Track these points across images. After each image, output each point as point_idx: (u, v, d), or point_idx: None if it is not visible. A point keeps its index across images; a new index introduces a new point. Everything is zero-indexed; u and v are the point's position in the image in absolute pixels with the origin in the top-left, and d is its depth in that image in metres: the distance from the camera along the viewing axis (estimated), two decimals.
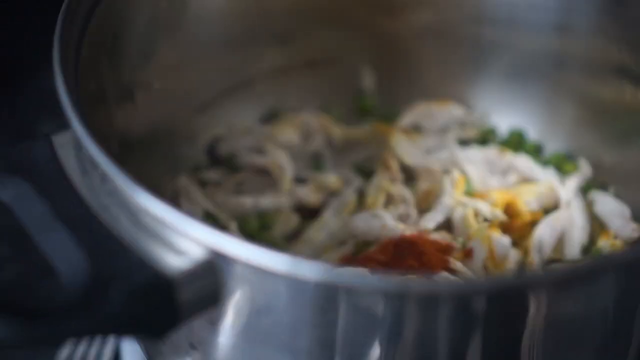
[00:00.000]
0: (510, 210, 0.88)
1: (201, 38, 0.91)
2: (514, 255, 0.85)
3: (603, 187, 0.93)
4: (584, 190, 0.92)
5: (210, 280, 0.63)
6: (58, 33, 0.72)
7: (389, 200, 0.89)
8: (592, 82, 0.93)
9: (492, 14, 0.95)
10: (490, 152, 0.94)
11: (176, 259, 0.63)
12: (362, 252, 0.84)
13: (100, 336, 0.62)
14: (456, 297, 0.61)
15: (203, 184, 0.92)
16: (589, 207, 0.91)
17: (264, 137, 0.95)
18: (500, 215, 0.87)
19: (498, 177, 0.92)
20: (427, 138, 0.96)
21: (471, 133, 0.97)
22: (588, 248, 0.88)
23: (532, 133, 0.97)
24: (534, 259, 0.85)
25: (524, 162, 0.93)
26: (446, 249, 0.83)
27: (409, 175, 0.92)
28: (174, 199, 0.88)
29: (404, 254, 0.82)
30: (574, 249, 0.88)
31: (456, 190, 0.89)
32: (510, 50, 0.95)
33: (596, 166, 0.94)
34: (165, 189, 0.89)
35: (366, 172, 0.93)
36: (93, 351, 0.84)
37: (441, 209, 0.87)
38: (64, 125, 0.68)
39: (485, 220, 0.87)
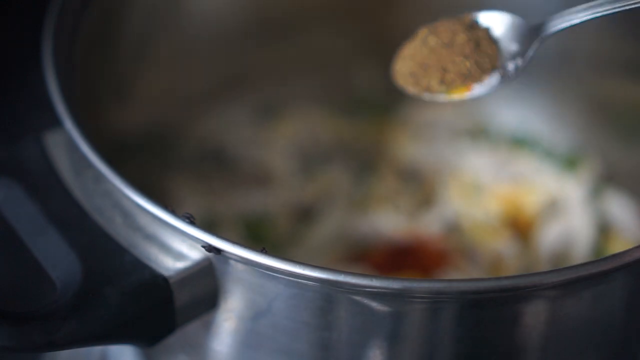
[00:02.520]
0: (514, 205, 0.88)
1: (197, 34, 0.91)
2: (518, 255, 0.85)
3: (612, 185, 0.92)
4: (593, 188, 0.92)
5: (207, 282, 0.63)
6: (50, 28, 0.71)
7: (389, 200, 0.89)
8: (600, 78, 0.92)
9: (494, 3, 0.94)
10: (496, 149, 0.94)
11: (172, 261, 0.62)
12: (361, 252, 0.84)
13: (95, 343, 0.61)
14: (458, 298, 0.60)
15: (199, 183, 0.92)
16: (598, 205, 0.90)
17: (260, 134, 0.95)
18: (502, 214, 0.87)
19: (503, 176, 0.92)
20: (430, 135, 0.95)
21: (475, 129, 0.97)
22: (597, 248, 0.88)
23: (539, 130, 0.96)
24: (541, 259, 0.85)
25: (530, 160, 0.93)
26: (447, 249, 0.83)
27: (410, 174, 0.92)
28: (169, 199, 0.88)
29: (403, 254, 0.82)
30: (582, 249, 0.87)
31: (459, 189, 0.89)
32: None
33: (605, 164, 0.93)
34: (161, 188, 0.89)
35: (366, 170, 0.93)
36: None
37: (443, 208, 0.87)
38: (55, 123, 0.67)
39: (488, 219, 0.87)
